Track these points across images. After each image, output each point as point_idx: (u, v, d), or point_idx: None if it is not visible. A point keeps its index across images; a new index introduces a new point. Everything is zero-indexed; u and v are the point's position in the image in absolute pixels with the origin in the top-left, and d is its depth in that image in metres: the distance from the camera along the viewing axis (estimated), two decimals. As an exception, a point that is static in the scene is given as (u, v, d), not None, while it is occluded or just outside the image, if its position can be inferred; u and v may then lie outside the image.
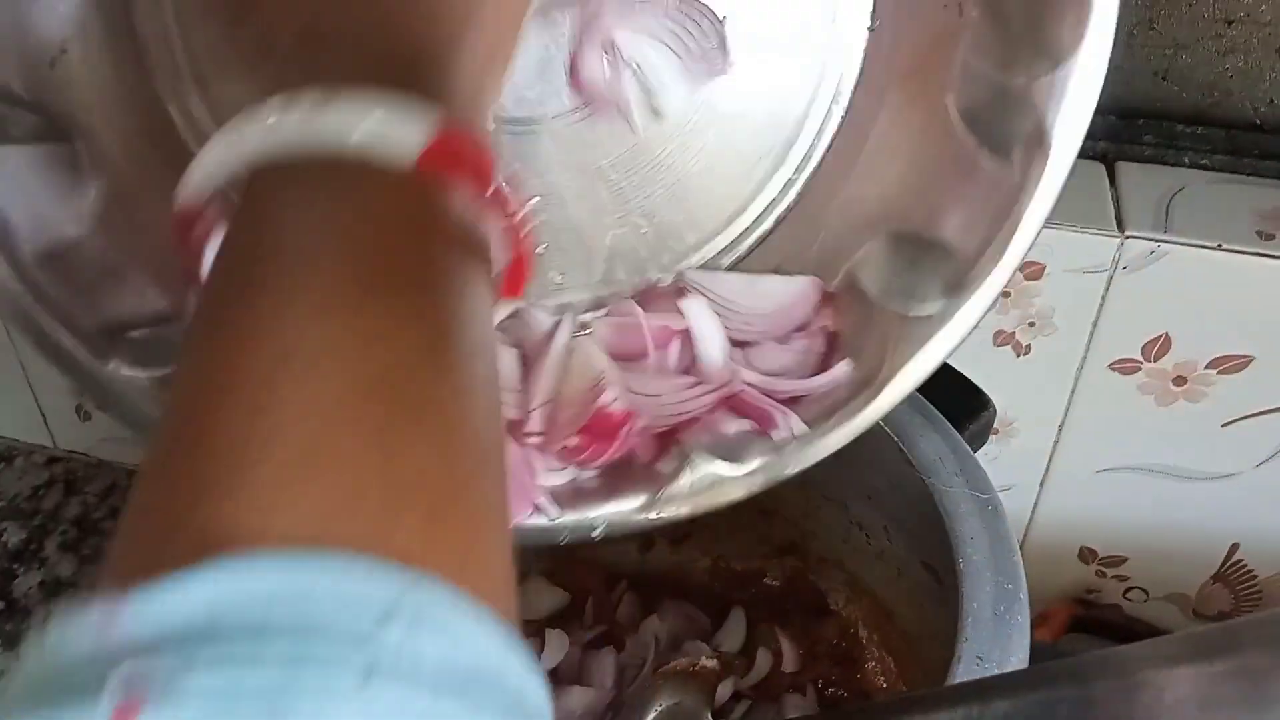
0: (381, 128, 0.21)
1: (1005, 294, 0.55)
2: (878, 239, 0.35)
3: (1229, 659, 0.23)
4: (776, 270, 0.37)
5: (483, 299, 0.23)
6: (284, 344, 0.19)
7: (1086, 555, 0.64)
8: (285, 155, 0.21)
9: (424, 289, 0.21)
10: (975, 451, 0.41)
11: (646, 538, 0.55)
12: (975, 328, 0.34)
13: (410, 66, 0.24)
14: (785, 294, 0.36)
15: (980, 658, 0.33)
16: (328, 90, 0.21)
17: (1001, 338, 0.57)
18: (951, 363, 0.48)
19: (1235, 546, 0.61)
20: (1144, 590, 0.65)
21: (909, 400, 0.42)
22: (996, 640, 0.34)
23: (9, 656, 0.67)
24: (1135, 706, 0.25)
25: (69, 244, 0.33)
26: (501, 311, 0.25)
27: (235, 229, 0.22)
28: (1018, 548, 0.37)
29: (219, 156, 0.22)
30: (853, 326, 0.36)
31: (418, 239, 0.22)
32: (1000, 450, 0.61)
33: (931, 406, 0.41)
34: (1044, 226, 0.53)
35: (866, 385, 0.34)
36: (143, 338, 0.34)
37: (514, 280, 0.26)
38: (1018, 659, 0.34)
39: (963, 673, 0.33)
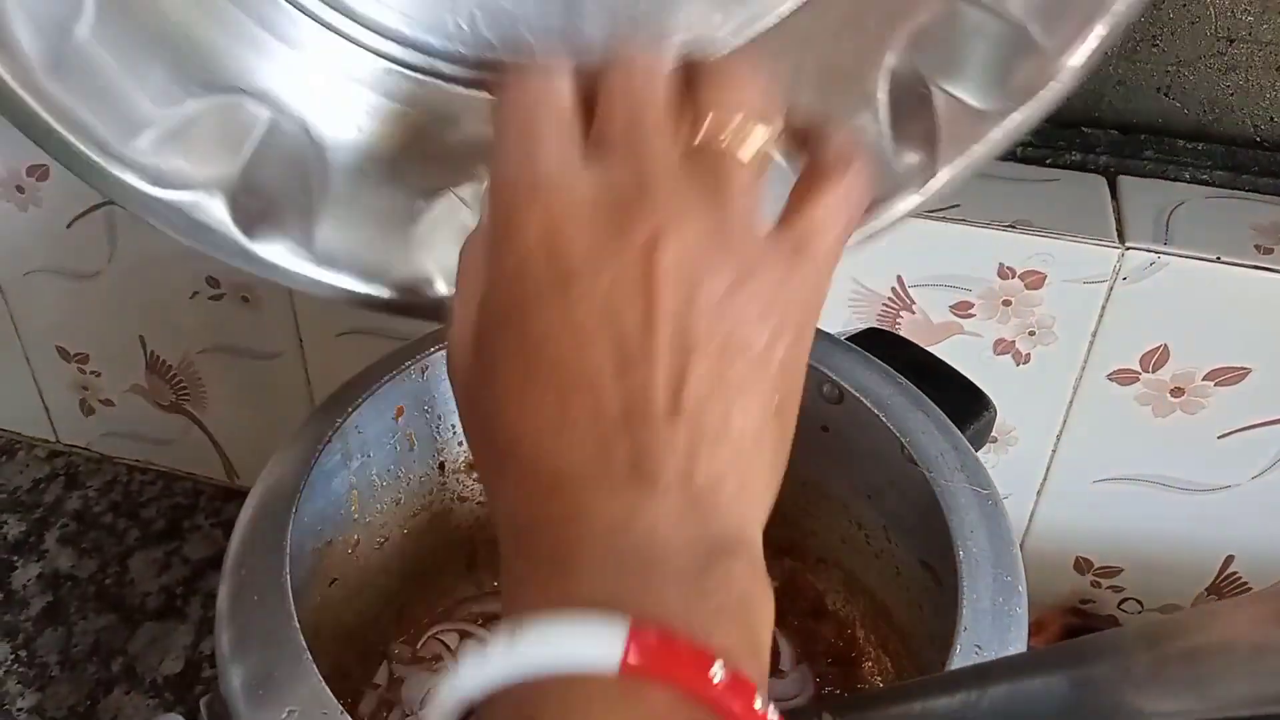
0: (578, 648, 0.23)
1: (1006, 302, 0.56)
2: (946, 5, 0.31)
3: (1227, 635, 0.23)
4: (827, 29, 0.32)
5: None
6: None
7: (1082, 565, 0.64)
8: (504, 685, 0.23)
9: None
10: (975, 451, 0.42)
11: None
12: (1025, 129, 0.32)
13: (598, 576, 0.25)
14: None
15: (979, 647, 0.34)
16: (519, 621, 0.23)
17: (1001, 346, 0.58)
18: (953, 365, 0.49)
19: (1230, 559, 0.61)
20: (1139, 601, 0.65)
21: (910, 397, 0.42)
22: (995, 631, 0.34)
23: (6, 647, 0.67)
24: (1133, 685, 0.26)
25: (76, 47, 0.30)
26: None
27: None
28: (1017, 543, 0.37)
29: (448, 696, 0.24)
30: (906, 110, 0.32)
31: None
32: (998, 459, 0.62)
33: (933, 404, 0.42)
34: (1045, 235, 0.54)
35: (913, 176, 0.33)
36: (163, 134, 0.31)
37: None
38: (1016, 650, 0.34)
39: (960, 661, 0.33)
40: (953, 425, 0.41)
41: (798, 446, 0.47)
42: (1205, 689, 0.23)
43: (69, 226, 0.70)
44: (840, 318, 0.59)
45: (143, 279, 0.71)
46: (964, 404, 0.43)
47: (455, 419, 0.48)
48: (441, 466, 0.48)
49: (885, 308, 0.58)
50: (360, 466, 0.44)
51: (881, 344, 0.46)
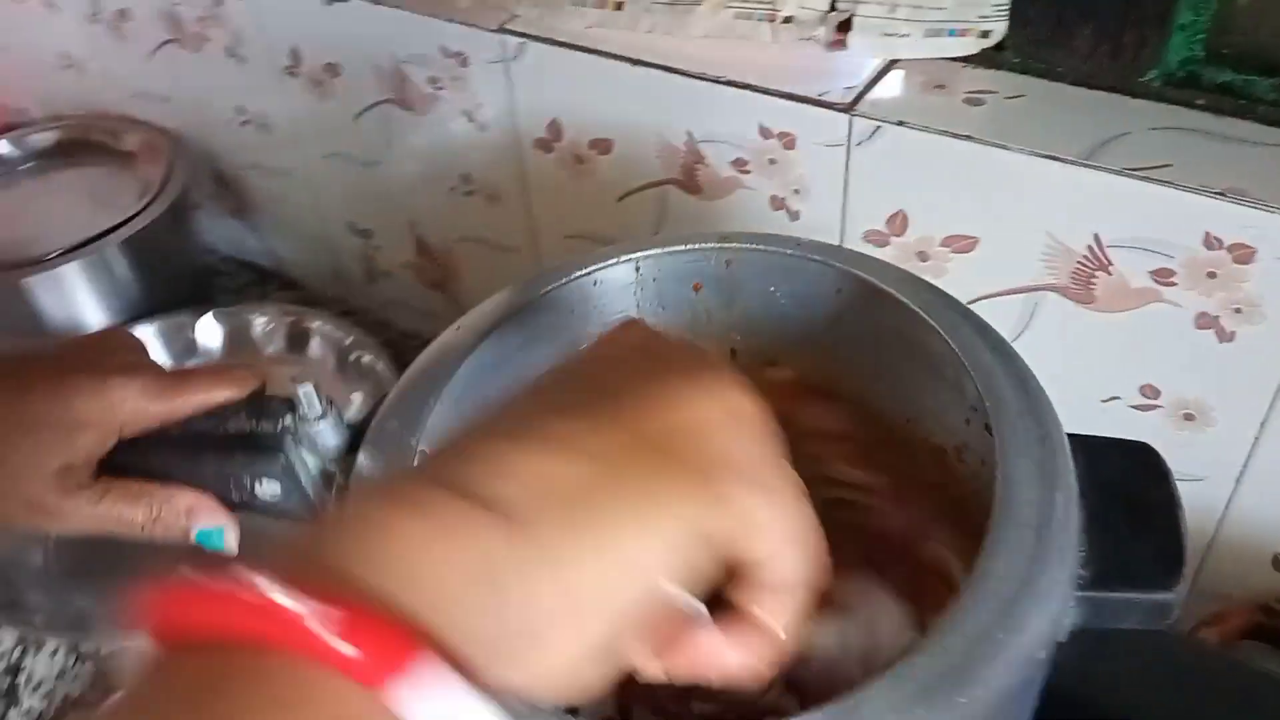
0: None
1: (1210, 274, 0.52)
2: None
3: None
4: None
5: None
6: None
7: (1281, 563, 0.60)
8: None
9: None
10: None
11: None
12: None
13: None
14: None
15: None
16: None
17: (1203, 320, 0.54)
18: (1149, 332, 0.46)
19: None
20: (1347, 613, 0.60)
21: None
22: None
23: None
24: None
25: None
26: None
27: None
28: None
29: None
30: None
31: None
32: (1193, 437, 0.58)
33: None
34: (1257, 208, 0.49)
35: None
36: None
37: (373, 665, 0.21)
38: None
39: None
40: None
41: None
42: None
43: (356, 119, 0.80)
44: (1030, 271, 0.57)
45: (412, 170, 0.80)
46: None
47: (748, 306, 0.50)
48: (733, 353, 0.52)
49: (1080, 266, 0.56)
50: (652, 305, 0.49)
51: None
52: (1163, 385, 0.57)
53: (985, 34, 0.59)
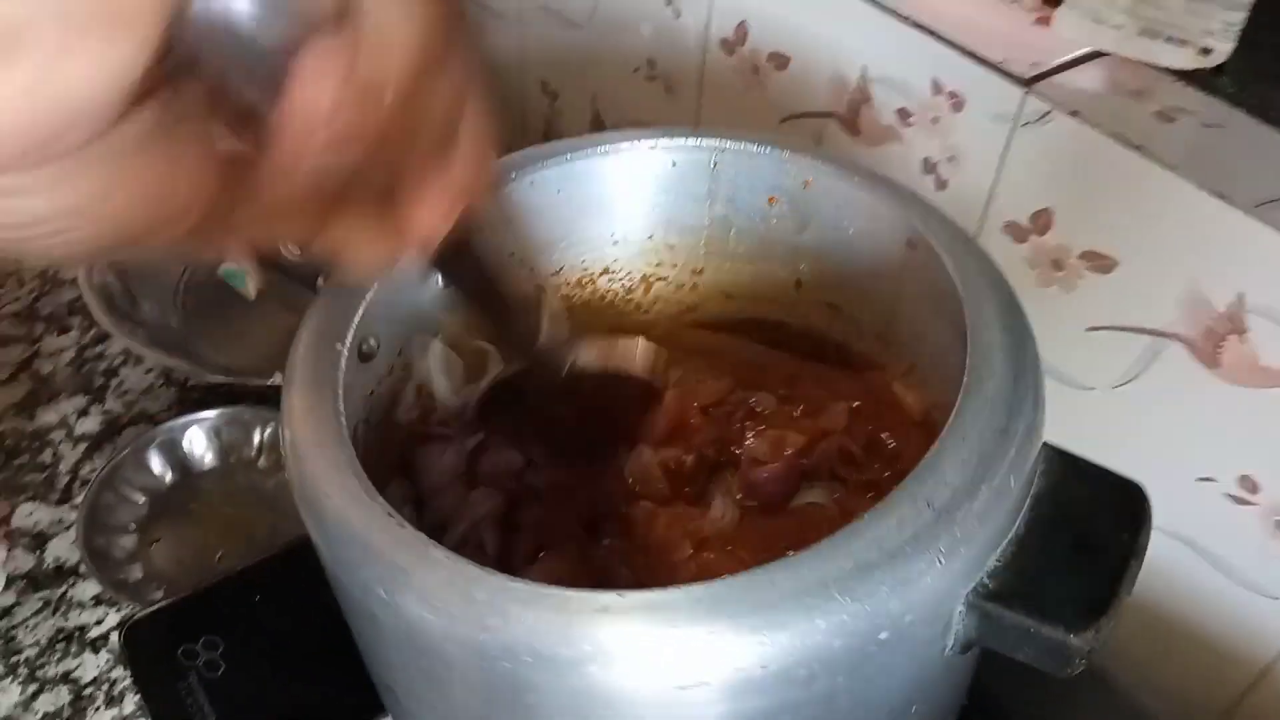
0: None
1: (1352, 374, 0.45)
2: None
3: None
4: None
5: None
6: None
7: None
8: None
9: None
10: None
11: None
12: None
13: None
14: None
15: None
16: None
17: (1329, 423, 0.47)
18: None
19: None
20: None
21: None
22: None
23: None
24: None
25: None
26: None
27: None
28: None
29: None
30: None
31: None
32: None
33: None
34: None
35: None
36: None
37: None
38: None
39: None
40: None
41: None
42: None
43: (568, -24, 0.80)
44: (1162, 315, 0.51)
45: (607, 42, 0.80)
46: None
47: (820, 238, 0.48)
48: (798, 284, 0.50)
49: (1214, 324, 0.49)
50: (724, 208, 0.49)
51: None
52: (1265, 482, 0.50)
53: (1206, 51, 0.52)
